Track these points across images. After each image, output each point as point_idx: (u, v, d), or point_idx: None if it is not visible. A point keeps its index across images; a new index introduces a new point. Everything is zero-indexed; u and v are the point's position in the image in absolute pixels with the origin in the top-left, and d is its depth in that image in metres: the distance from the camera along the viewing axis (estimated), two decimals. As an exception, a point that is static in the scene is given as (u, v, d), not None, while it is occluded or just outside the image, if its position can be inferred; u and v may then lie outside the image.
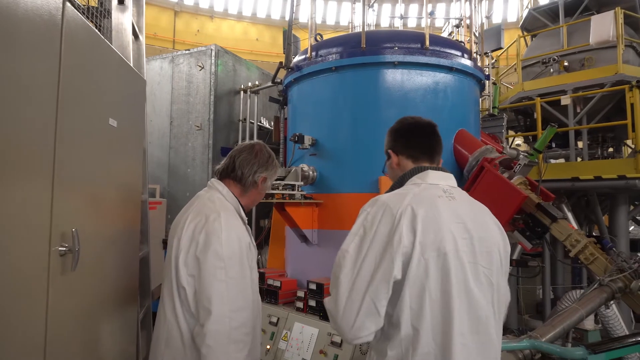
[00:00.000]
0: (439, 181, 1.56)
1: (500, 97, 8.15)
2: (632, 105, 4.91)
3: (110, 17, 2.03)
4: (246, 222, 2.05)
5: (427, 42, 4.19)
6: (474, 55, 4.71)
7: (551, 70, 7.50)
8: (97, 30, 1.88)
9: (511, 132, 8.74)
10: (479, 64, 5.12)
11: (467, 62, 4.47)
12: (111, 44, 2.04)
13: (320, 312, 3.68)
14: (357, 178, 4.08)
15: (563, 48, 7.19)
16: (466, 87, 4.51)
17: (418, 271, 1.36)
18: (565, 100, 5.85)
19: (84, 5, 2.34)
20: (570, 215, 5.55)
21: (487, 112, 5.82)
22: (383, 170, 1.91)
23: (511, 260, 5.99)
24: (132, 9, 2.08)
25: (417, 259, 1.36)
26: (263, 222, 5.64)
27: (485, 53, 6.56)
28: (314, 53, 4.55)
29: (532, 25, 8.59)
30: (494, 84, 6.43)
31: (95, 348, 1.94)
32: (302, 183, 4.17)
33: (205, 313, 1.69)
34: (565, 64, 7.42)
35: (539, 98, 6.14)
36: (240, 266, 1.78)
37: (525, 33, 8.80)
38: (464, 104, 4.45)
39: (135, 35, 2.33)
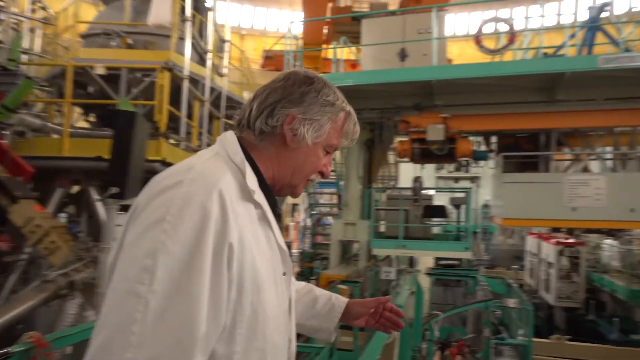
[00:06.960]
0: None
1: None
2: (162, 87, 4.86)
3: None
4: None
5: None
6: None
7: (113, 43, 6.97)
8: None
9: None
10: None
11: None
12: None
13: None
14: None
15: (124, 22, 6.79)
16: None
17: None
18: (100, 69, 5.35)
19: None
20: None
21: (-1, 65, 4.50)
22: None
23: None
24: None
25: None
26: None
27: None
28: None
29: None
30: (14, 29, 5.18)
31: None
32: None
33: None
34: (130, 41, 7.08)
35: (71, 62, 5.36)
36: None
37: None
38: None
39: None
